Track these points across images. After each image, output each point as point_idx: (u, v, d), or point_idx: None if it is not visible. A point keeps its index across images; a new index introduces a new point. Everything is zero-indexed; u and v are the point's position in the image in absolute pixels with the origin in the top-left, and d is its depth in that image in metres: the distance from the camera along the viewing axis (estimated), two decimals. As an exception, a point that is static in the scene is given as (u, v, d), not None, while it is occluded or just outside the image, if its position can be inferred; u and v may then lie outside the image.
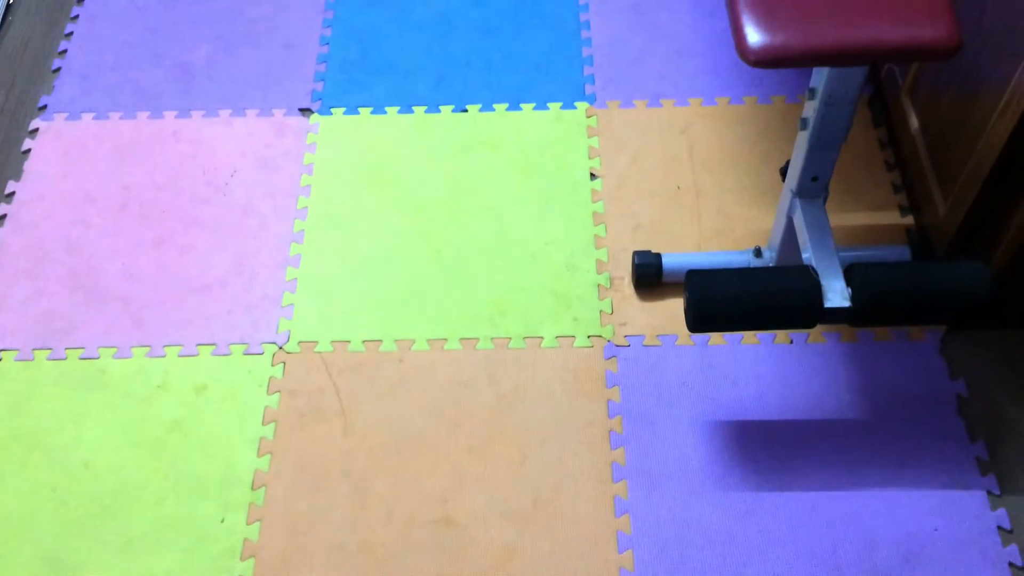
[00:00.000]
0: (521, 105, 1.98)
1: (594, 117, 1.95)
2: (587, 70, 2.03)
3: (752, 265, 1.65)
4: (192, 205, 1.84)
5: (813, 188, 1.50)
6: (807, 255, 1.45)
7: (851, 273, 1.40)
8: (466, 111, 1.98)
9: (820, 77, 1.37)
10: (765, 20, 1.30)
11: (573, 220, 1.80)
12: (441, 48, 2.08)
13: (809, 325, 1.41)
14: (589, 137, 1.92)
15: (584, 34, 2.10)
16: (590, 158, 1.89)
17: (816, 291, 1.39)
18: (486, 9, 2.15)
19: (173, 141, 1.94)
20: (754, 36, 1.28)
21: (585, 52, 2.06)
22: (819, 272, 1.41)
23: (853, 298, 1.38)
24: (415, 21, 2.14)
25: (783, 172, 1.57)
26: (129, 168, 1.90)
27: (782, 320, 1.41)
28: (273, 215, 1.82)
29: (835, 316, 1.39)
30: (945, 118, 1.63)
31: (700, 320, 1.41)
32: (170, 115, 1.98)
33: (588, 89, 2.00)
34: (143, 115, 1.98)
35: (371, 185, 1.86)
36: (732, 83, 2.00)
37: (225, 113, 1.98)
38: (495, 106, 1.98)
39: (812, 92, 1.38)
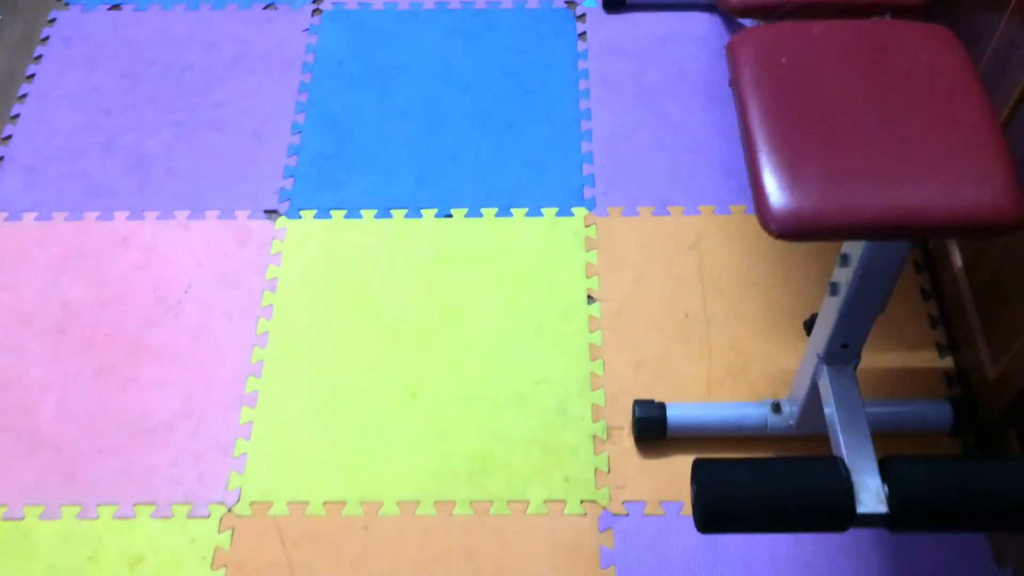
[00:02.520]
0: (512, 210, 1.77)
1: (593, 226, 1.75)
2: (586, 169, 1.82)
3: (769, 422, 1.45)
4: (139, 328, 1.64)
5: (843, 355, 1.29)
6: (835, 441, 1.25)
7: (888, 468, 1.20)
8: (450, 216, 1.77)
9: (855, 246, 1.17)
10: (790, 181, 1.09)
11: (567, 354, 1.60)
12: (425, 139, 1.88)
13: (838, 530, 1.20)
14: (587, 250, 1.71)
15: (584, 125, 1.89)
16: (588, 276, 1.68)
17: (847, 493, 1.18)
18: (475, 94, 1.95)
19: (123, 248, 1.74)
20: (778, 201, 1.08)
21: (585, 147, 1.86)
22: (850, 467, 1.20)
23: (890, 500, 1.18)
24: (397, 106, 1.93)
25: (807, 326, 1.36)
26: (72, 281, 1.70)
27: (807, 524, 1.21)
28: (230, 341, 1.62)
29: (869, 522, 1.19)
30: (996, 263, 1.43)
31: (710, 521, 1.20)
32: (121, 216, 1.78)
33: (587, 192, 1.79)
34: (91, 215, 1.79)
35: (341, 307, 1.65)
36: (748, 187, 1.79)
37: (182, 215, 1.78)
38: (483, 211, 1.78)
39: (844, 259, 1.17)
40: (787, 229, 1.07)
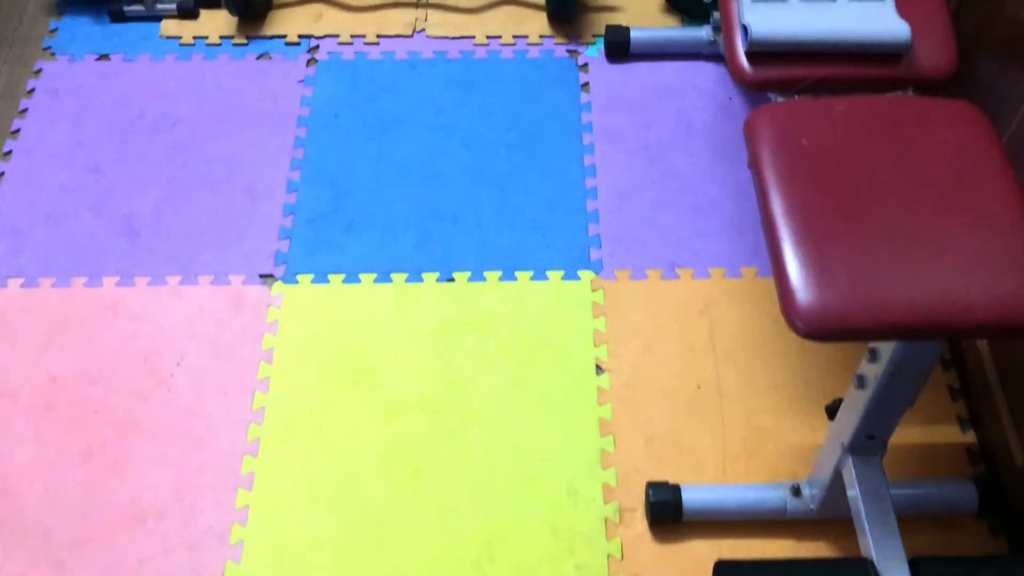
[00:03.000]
0: (516, 274, 1.72)
1: (600, 291, 1.69)
2: (592, 229, 1.77)
3: (789, 506, 1.39)
4: (130, 404, 1.57)
5: (870, 446, 1.24)
6: (862, 538, 1.20)
7: (920, 572, 1.15)
8: (453, 280, 1.71)
9: (886, 343, 1.12)
10: (818, 278, 1.04)
11: (576, 429, 1.54)
12: (425, 198, 1.82)
13: (868, 637, 1.15)
14: (595, 317, 1.66)
15: (589, 182, 1.84)
16: (596, 345, 1.63)
17: (878, 600, 1.13)
18: (477, 150, 1.89)
19: (112, 317, 1.67)
20: (805, 299, 1.03)
21: (590, 205, 1.80)
22: (880, 570, 1.15)
23: (923, 607, 1.13)
24: (396, 163, 1.88)
25: (830, 412, 1.31)
26: (59, 353, 1.63)
27: (835, 632, 1.16)
28: (225, 418, 1.56)
29: (901, 629, 1.14)
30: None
31: (735, 629, 1.15)
32: (110, 282, 1.72)
33: (593, 254, 1.74)
34: (79, 282, 1.72)
35: (340, 380, 1.59)
36: (759, 249, 1.74)
37: (174, 280, 1.71)
38: (486, 274, 1.72)
39: (873, 354, 1.12)
40: (816, 330, 1.02)
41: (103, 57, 2.05)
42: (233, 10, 2.04)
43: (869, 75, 1.26)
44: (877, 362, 1.11)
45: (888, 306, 1.02)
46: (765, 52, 1.27)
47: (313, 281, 1.71)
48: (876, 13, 1.27)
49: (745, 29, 1.27)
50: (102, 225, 1.78)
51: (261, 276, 1.72)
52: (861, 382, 1.16)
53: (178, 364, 1.61)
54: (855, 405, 1.19)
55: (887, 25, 1.25)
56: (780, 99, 1.27)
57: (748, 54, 1.27)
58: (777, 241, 1.09)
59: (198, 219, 1.79)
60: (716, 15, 1.94)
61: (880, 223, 1.09)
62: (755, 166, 1.17)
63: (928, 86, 1.29)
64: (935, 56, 1.27)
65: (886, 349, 1.09)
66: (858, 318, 1.02)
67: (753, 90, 1.31)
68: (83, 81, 2.00)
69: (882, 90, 1.28)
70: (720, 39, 1.95)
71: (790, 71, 1.25)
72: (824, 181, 1.13)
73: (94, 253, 1.75)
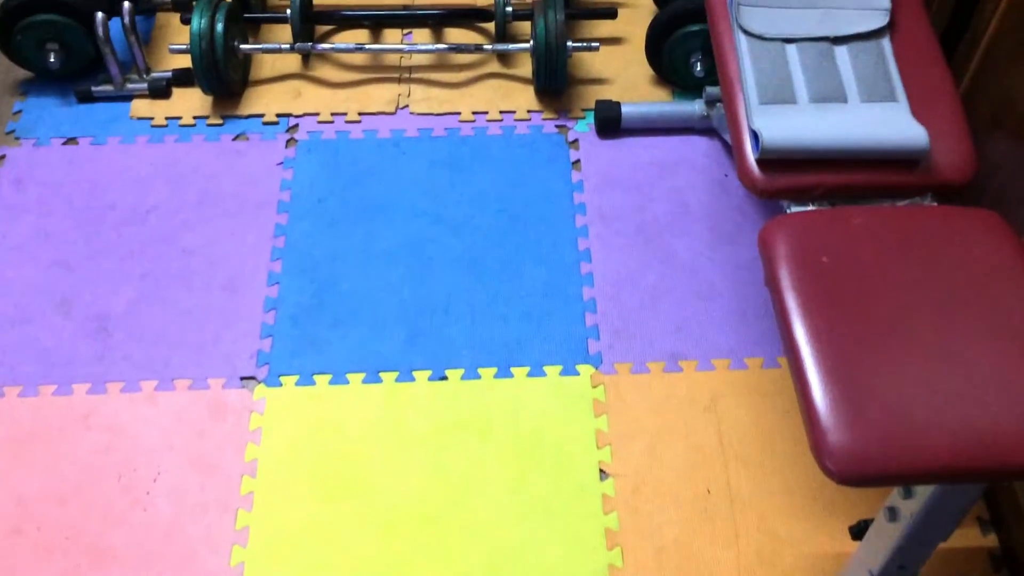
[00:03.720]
0: (512, 370, 1.64)
1: (601, 387, 1.62)
2: (589, 318, 1.70)
3: (812, 628, 1.33)
4: (103, 526, 1.46)
5: (900, 575, 1.18)
6: None
7: None
8: (445, 379, 1.63)
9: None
10: (849, 417, 0.97)
11: (582, 541, 1.46)
12: (414, 288, 1.74)
13: None
14: (596, 416, 1.58)
15: (584, 267, 1.77)
16: (599, 447, 1.55)
17: None
18: (466, 236, 1.81)
19: (83, 429, 1.57)
20: (836, 440, 0.96)
21: (586, 293, 1.73)
22: None
23: None
24: (382, 250, 1.79)
25: (854, 533, 1.24)
26: (27, 472, 1.52)
27: None
28: (205, 540, 1.45)
29: None
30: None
31: None
32: (81, 390, 1.61)
33: (592, 346, 1.67)
34: (47, 390, 1.61)
35: (329, 492, 1.49)
36: (764, 336, 1.68)
37: (149, 386, 1.61)
38: (480, 371, 1.64)
39: (908, 491, 1.06)
40: (851, 475, 0.95)
41: (70, 141, 1.96)
42: (207, 89, 1.96)
43: (886, 182, 1.21)
44: (912, 499, 1.04)
45: (928, 449, 0.95)
46: (777, 159, 1.21)
47: (298, 383, 1.62)
48: (891, 116, 1.22)
49: (755, 135, 1.21)
50: (71, 327, 1.68)
51: (242, 379, 1.63)
52: (893, 515, 1.09)
53: (154, 480, 1.51)
54: (886, 537, 1.12)
55: (903, 130, 1.19)
56: (793, 207, 1.21)
57: (759, 161, 1.21)
58: (803, 373, 1.03)
59: (174, 318, 1.69)
60: (709, 89, 1.89)
61: (912, 351, 1.02)
62: (773, 286, 1.11)
63: (946, 191, 1.24)
64: (953, 159, 1.22)
65: (924, 489, 1.03)
66: (897, 463, 0.95)
67: (765, 199, 1.26)
68: (49, 168, 1.91)
69: (900, 196, 1.22)
70: (713, 113, 1.89)
71: (804, 179, 1.19)
72: (849, 304, 1.06)
73: (63, 358, 1.65)
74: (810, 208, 1.20)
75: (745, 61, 1.28)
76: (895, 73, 1.28)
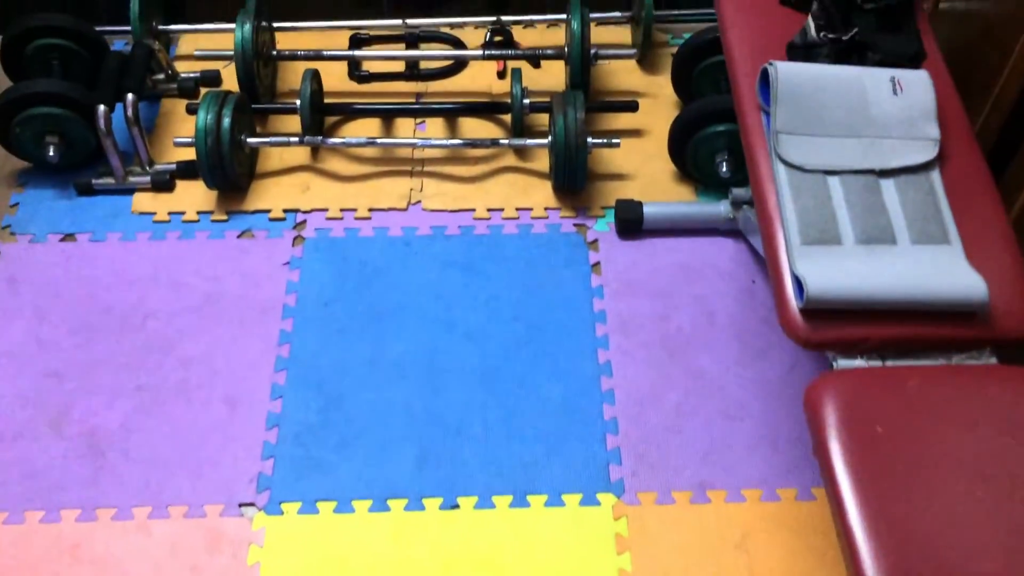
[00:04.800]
0: (528, 498, 1.54)
1: (623, 519, 1.51)
2: (611, 440, 1.60)
3: None
4: (89, 677, 1.37)
5: None
6: None
7: None
8: (457, 507, 1.53)
9: None
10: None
11: None
12: (425, 405, 1.65)
13: None
14: (619, 553, 1.48)
15: (605, 383, 1.68)
16: (622, 589, 1.45)
17: None
18: (480, 345, 1.72)
19: (72, 561, 1.46)
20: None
21: (607, 412, 1.64)
22: None
23: None
24: (392, 361, 1.70)
25: None
26: (8, 611, 1.44)
27: None
28: None
29: None
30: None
31: None
32: (70, 516, 1.51)
33: (614, 472, 1.56)
34: (34, 517, 1.51)
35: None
36: (798, 464, 1.57)
37: (142, 513, 1.51)
38: (495, 500, 1.53)
39: None
40: None
41: (68, 237, 1.88)
42: (212, 185, 1.89)
43: (941, 335, 1.11)
44: None
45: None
46: (823, 309, 1.12)
47: (300, 511, 1.52)
48: (944, 262, 1.13)
49: (798, 281, 1.13)
50: (62, 445, 1.59)
51: (241, 505, 1.52)
52: None
53: (146, 623, 1.42)
54: None
55: (959, 279, 1.10)
56: (840, 360, 1.12)
57: (803, 310, 1.12)
58: (859, 565, 0.93)
59: (171, 435, 1.60)
60: (735, 190, 1.80)
61: (982, 542, 0.93)
62: (822, 456, 1.01)
63: (1008, 345, 1.15)
64: (1013, 310, 1.13)
65: None
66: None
67: (809, 350, 1.17)
68: (45, 267, 1.83)
69: (956, 351, 1.13)
70: (740, 215, 1.81)
71: (852, 331, 1.10)
72: (909, 485, 0.97)
73: (53, 480, 1.55)
74: (858, 362, 1.11)
75: (785, 195, 1.20)
76: (947, 211, 1.19)
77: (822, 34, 1.31)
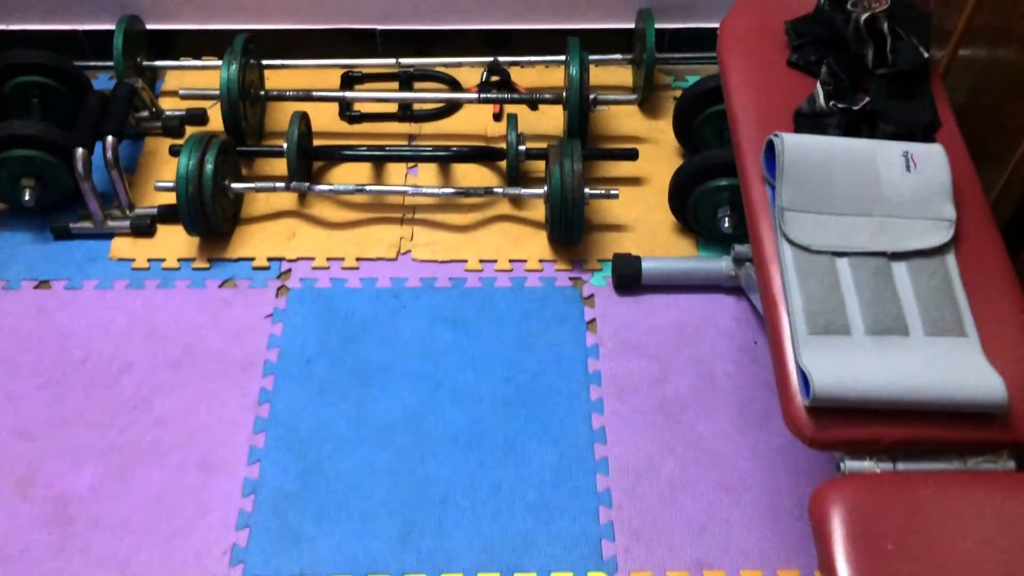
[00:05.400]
0: (517, 576, 1.48)
1: (616, 602, 1.45)
2: (603, 514, 1.52)
3: None
4: None
5: None
6: None
7: None
8: (442, 586, 1.47)
9: None
10: None
11: None
12: (410, 472, 1.57)
13: None
14: (611, 640, 1.41)
15: (598, 450, 1.60)
16: None
17: None
18: (469, 408, 1.65)
19: (32, 640, 1.41)
20: None
21: (600, 482, 1.56)
22: None
23: None
24: (376, 424, 1.63)
25: None
26: None
27: None
28: None
29: None
30: None
31: None
32: (33, 590, 1.46)
33: (606, 549, 1.49)
34: (-5, 590, 1.46)
35: None
36: (799, 542, 1.49)
37: (110, 587, 1.46)
38: (482, 577, 1.48)
39: None
40: None
41: (43, 284, 1.80)
42: (192, 230, 1.81)
43: (956, 438, 1.04)
44: None
45: None
46: (830, 407, 1.05)
47: (276, 588, 1.46)
48: (961, 357, 1.06)
49: (804, 374, 1.06)
50: (28, 511, 1.51)
51: (214, 581, 1.46)
52: None
53: None
54: None
55: (976, 377, 1.03)
56: (847, 461, 1.05)
57: (809, 408, 1.05)
58: None
59: (142, 502, 1.52)
60: (738, 247, 1.73)
61: None
62: (828, 573, 0.94)
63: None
64: (1034, 412, 1.06)
65: None
66: None
67: (815, 449, 1.10)
68: (18, 316, 1.75)
69: (972, 454, 1.06)
70: (742, 273, 1.74)
71: (861, 430, 1.03)
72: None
73: (15, 551, 1.47)
74: (867, 464, 1.04)
75: (791, 278, 1.13)
76: (962, 299, 1.12)
77: (832, 103, 1.24)
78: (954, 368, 1.04)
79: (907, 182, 1.17)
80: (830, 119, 1.24)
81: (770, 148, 1.22)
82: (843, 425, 1.04)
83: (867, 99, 1.24)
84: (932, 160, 1.18)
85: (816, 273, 1.12)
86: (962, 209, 1.20)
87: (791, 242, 1.15)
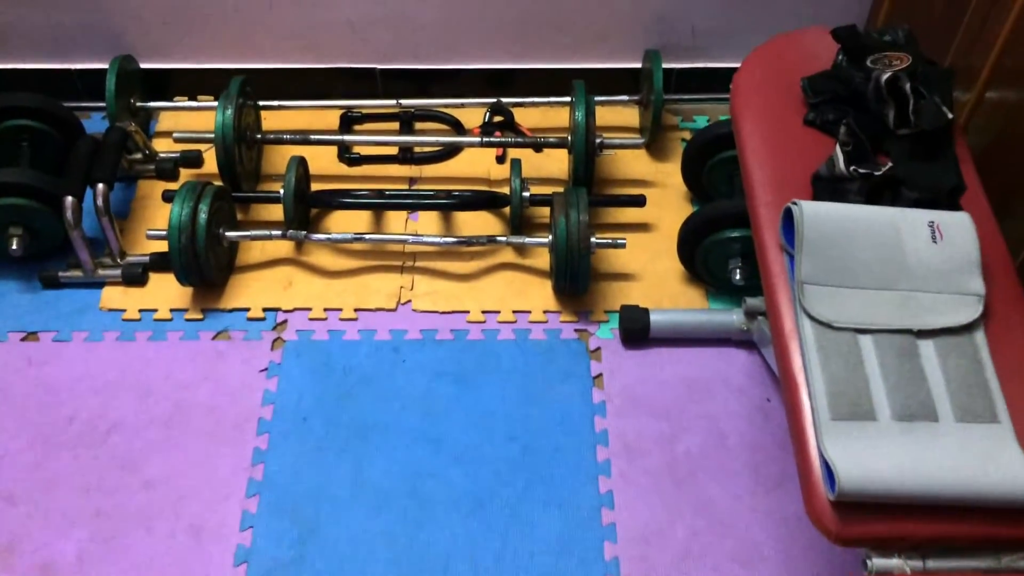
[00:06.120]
0: (521, 653, 1.41)
1: None
2: (612, 585, 1.47)
3: None
4: None
5: None
6: None
7: None
8: (442, 662, 1.40)
9: None
10: None
11: None
12: (410, 538, 1.49)
13: None
14: None
15: (606, 515, 1.53)
16: None
17: None
18: (471, 469, 1.58)
19: None
20: None
21: (608, 551, 1.49)
22: None
23: None
24: (374, 487, 1.55)
25: None
26: None
27: None
28: None
29: None
30: None
31: None
32: (14, 667, 1.39)
33: (615, 623, 1.44)
34: (-26, 667, 1.39)
35: None
36: (815, 617, 1.44)
37: (94, 665, 1.39)
38: (484, 655, 1.41)
39: None
40: None
41: (30, 336, 1.74)
42: (184, 281, 1.75)
43: (988, 534, 0.98)
44: None
45: None
46: (856, 502, 0.99)
47: (268, 665, 1.39)
48: (993, 445, 0.99)
49: (827, 464, 0.99)
50: (11, 581, 1.47)
51: (204, 657, 1.40)
52: None
53: None
54: None
55: (1010, 467, 0.97)
56: (874, 558, 0.99)
57: (834, 502, 0.99)
58: None
59: (129, 572, 1.45)
60: (750, 300, 1.67)
61: None
62: None
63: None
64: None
65: None
66: None
67: (840, 546, 1.04)
68: (3, 370, 1.68)
69: (1006, 551, 1.00)
70: (753, 326, 1.69)
71: (890, 526, 0.97)
72: None
73: (-3, 625, 1.43)
74: (896, 562, 0.98)
75: (812, 358, 1.07)
76: (993, 381, 1.06)
77: (852, 168, 1.18)
78: (987, 458, 0.98)
79: (933, 254, 1.11)
80: (851, 184, 1.19)
81: (788, 215, 1.16)
82: (870, 520, 0.98)
83: (889, 164, 1.18)
84: (959, 231, 1.13)
85: (839, 352, 1.06)
86: (990, 280, 1.14)
87: (812, 318, 1.09)
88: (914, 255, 1.11)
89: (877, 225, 1.13)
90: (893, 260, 1.11)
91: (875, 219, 1.14)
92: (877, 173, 1.17)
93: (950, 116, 1.24)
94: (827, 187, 1.21)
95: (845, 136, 1.22)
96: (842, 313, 1.10)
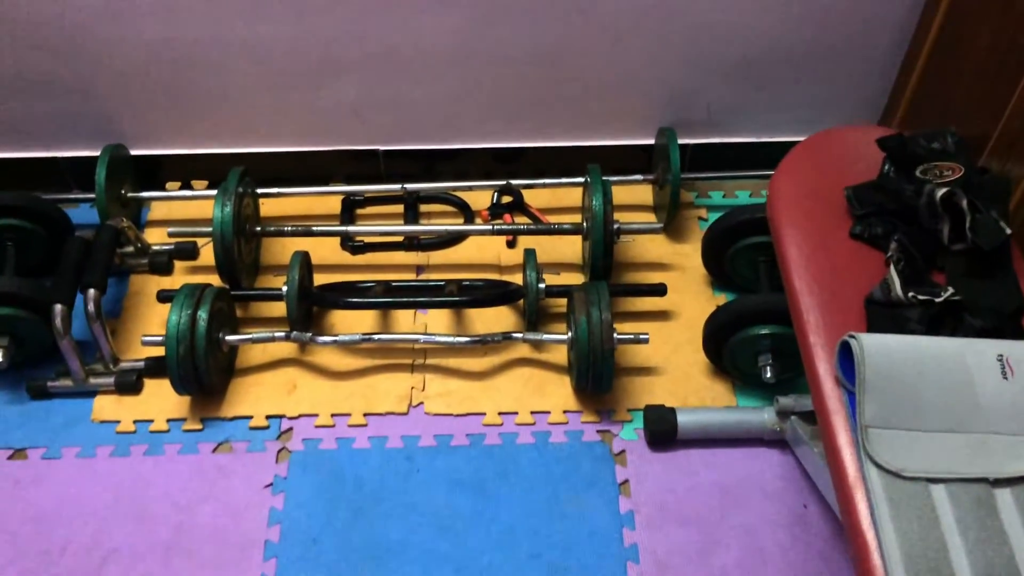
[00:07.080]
0: None
1: None
2: None
3: None
4: None
5: None
6: None
7: None
8: None
9: None
10: None
11: None
12: (431, 676, 1.41)
13: None
14: None
15: (631, 570, 1.44)
16: None
17: None
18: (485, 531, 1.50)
19: None
20: None
21: None
22: None
23: None
24: (390, 545, 1.48)
25: None
26: None
27: None
28: None
29: None
30: None
31: None
32: None
33: None
34: None
35: None
36: None
37: None
38: None
39: None
40: None
41: (18, 454, 1.62)
42: (182, 391, 1.64)
43: None
44: None
45: None
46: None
47: None
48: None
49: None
50: None
51: None
52: None
53: None
54: None
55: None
56: None
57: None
58: None
59: None
60: (782, 400, 1.59)
61: None
62: None
63: None
64: None
65: None
66: None
67: None
68: (-9, 488, 1.60)
69: None
70: (787, 426, 1.60)
71: None
72: None
73: None
74: None
75: (882, 512, 0.98)
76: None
77: (911, 294, 1.10)
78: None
79: (1005, 391, 1.03)
80: (910, 311, 1.10)
81: (845, 346, 1.08)
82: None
83: (951, 290, 1.10)
84: (1031, 364, 1.05)
85: (911, 506, 0.97)
86: (1065, 413, 1.06)
87: (878, 465, 1.01)
88: (985, 393, 1.03)
89: (943, 360, 1.05)
90: (963, 399, 1.03)
91: (941, 353, 1.05)
92: (938, 300, 1.09)
93: (1008, 232, 1.16)
94: (884, 313, 1.12)
95: (896, 252, 1.14)
96: (911, 460, 1.01)
